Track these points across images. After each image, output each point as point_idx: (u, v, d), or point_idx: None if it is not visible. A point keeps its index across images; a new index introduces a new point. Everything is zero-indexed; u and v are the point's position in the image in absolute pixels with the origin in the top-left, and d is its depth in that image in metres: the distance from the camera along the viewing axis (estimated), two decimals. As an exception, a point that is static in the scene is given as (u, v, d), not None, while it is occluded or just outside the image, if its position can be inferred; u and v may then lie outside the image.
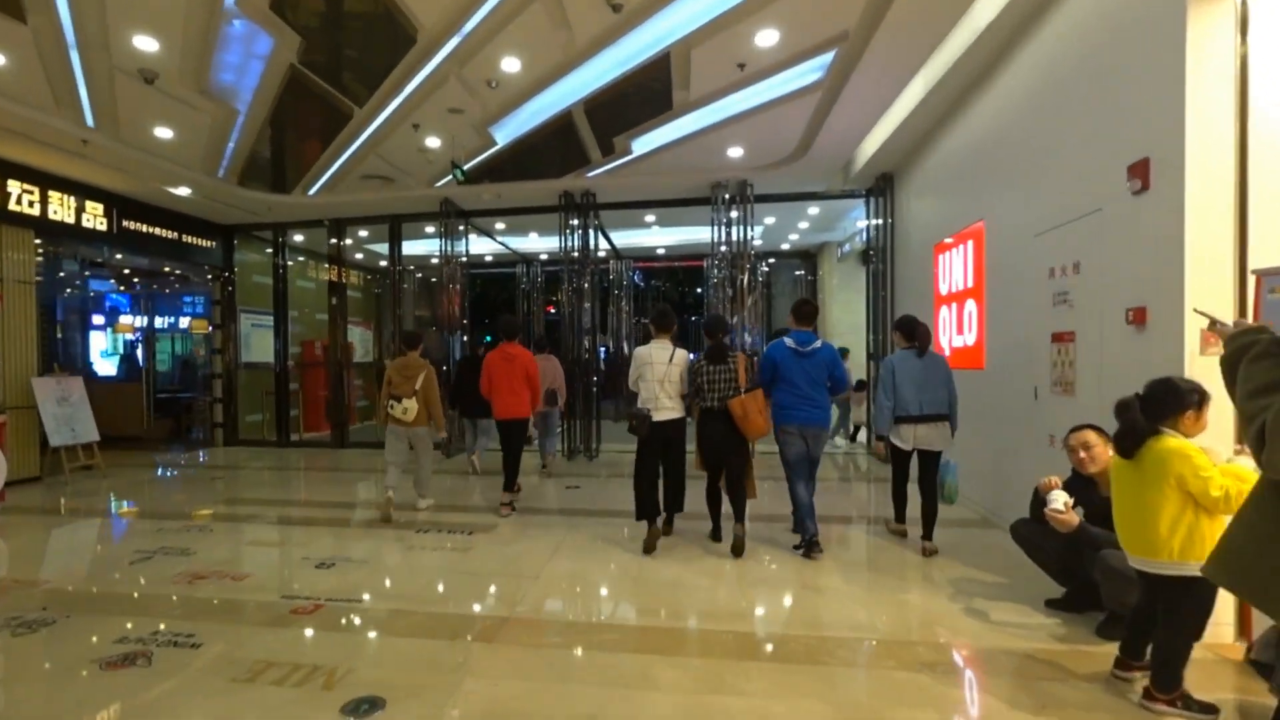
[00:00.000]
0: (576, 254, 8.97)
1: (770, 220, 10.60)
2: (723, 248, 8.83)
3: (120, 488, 7.18)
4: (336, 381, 10.02)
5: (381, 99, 6.09)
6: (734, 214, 8.74)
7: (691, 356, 4.76)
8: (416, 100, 6.11)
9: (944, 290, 6.39)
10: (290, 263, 11.81)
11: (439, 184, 8.54)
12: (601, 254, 9.94)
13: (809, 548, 4.42)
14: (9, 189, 7.12)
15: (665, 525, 4.98)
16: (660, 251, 12.87)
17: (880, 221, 8.50)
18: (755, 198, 8.67)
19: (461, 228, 9.64)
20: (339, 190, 8.69)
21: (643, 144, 7.39)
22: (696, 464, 4.80)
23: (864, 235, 10.15)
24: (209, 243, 9.88)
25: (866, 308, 8.87)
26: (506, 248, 12.23)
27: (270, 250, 10.60)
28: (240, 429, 10.32)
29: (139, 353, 13.12)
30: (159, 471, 8.24)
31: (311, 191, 8.67)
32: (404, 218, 9.75)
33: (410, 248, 11.57)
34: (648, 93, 6.22)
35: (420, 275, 14.46)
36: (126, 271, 11.89)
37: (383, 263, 12.19)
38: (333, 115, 6.45)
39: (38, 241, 8.39)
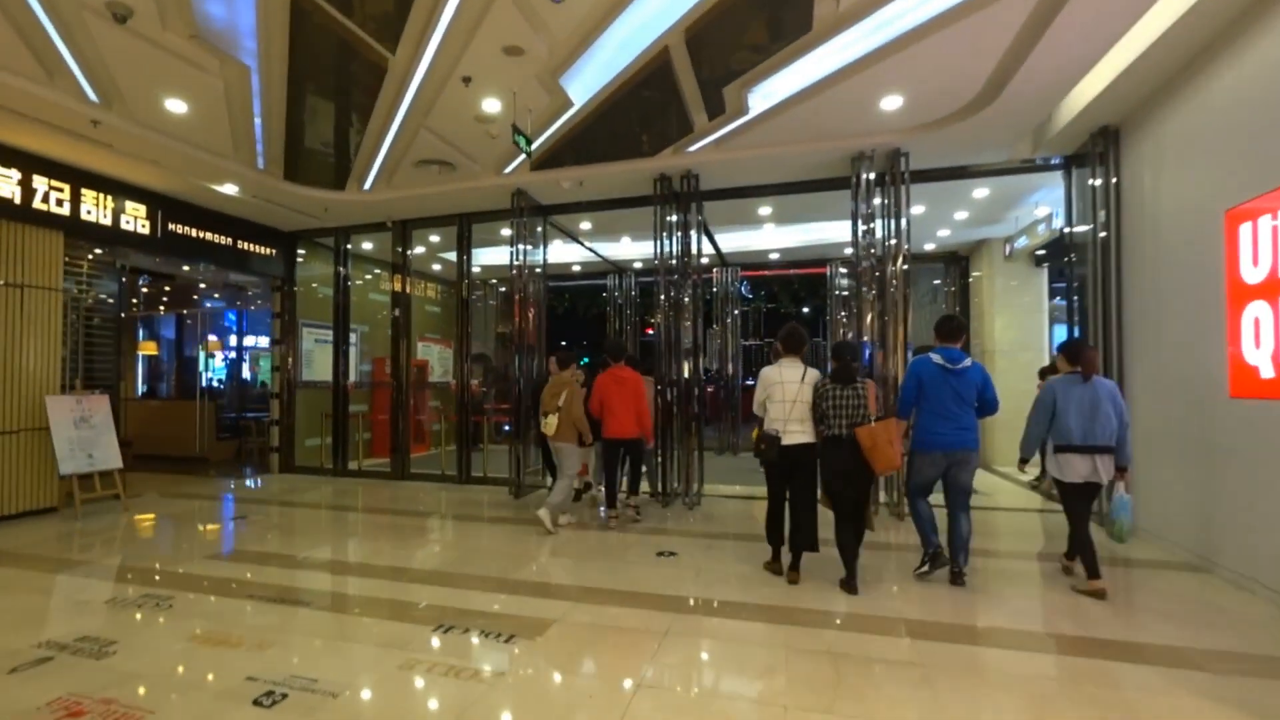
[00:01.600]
0: (675, 260, 7.17)
1: (918, 210, 8.33)
2: (848, 249, 6.71)
3: (123, 527, 6.07)
4: (398, 404, 8.74)
5: (418, 35, 4.62)
6: (877, 200, 6.64)
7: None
8: (461, 35, 4.59)
9: (1254, 278, 4.00)
10: (367, 276, 10.95)
11: (509, 169, 7.07)
12: (704, 260, 8.03)
13: (933, 563, 4.31)
14: (34, 185, 6.32)
15: (791, 570, 4.40)
16: (774, 256, 10.84)
17: (1081, 204, 6.15)
18: (910, 175, 6.51)
19: (540, 229, 8.16)
20: (396, 183, 7.44)
21: (763, 96, 5.52)
22: (822, 499, 4.35)
23: (1050, 223, 7.71)
24: (269, 250, 8.99)
25: (1071, 319, 6.41)
26: (595, 254, 10.66)
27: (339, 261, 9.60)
28: (297, 454, 9.28)
29: (200, 369, 12.69)
30: (186, 504, 7.14)
31: (366, 185, 7.47)
32: (474, 217, 8.40)
33: (493, 256, 10.34)
34: (777, 9, 4.39)
35: (504, 289, 13.28)
36: (204, 286, 11.43)
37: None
38: (364, 69, 5.10)
39: (99, 251, 7.82)
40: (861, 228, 6.68)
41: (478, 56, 4.83)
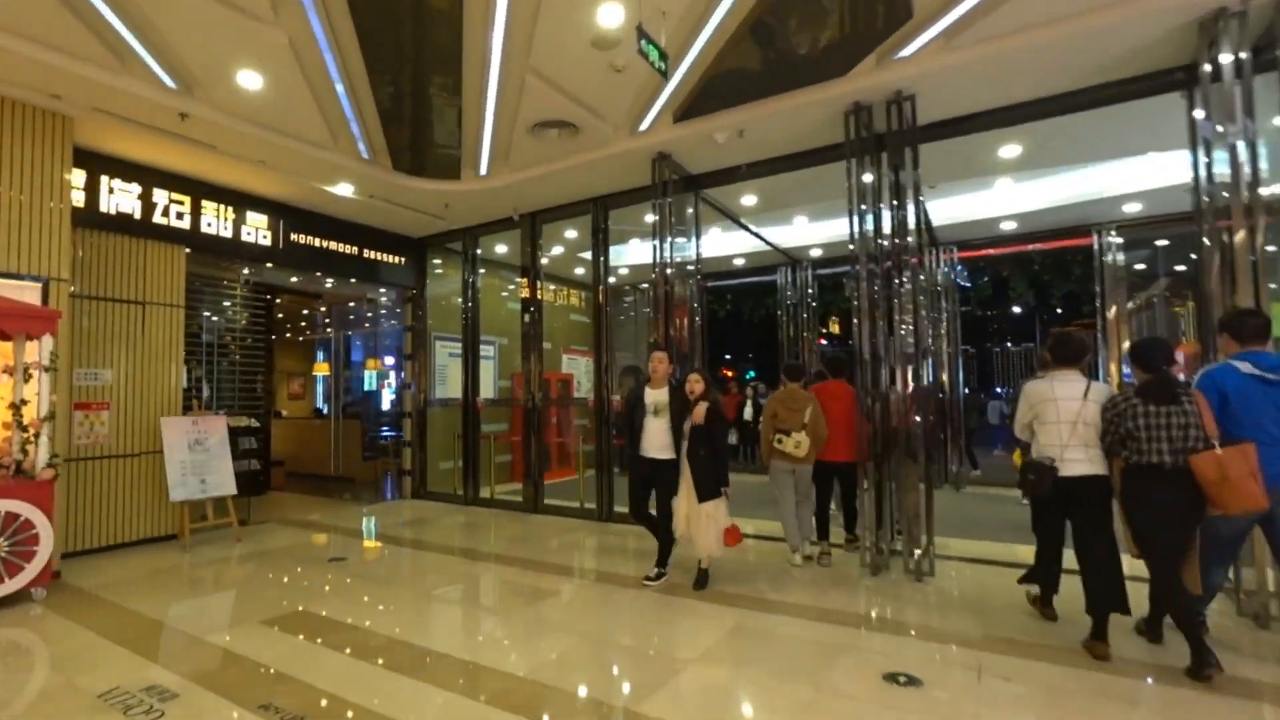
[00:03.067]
0: (881, 239, 4.99)
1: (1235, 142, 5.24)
2: (1133, 204, 4.07)
3: (216, 566, 5.27)
4: (529, 424, 7.47)
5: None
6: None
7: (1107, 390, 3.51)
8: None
9: None
10: (510, 286, 10.02)
11: (645, 124, 5.40)
12: (910, 239, 5.38)
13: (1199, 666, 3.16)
14: (154, 199, 5.91)
15: (1096, 639, 3.30)
16: (1008, 226, 8.01)
17: None
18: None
19: (690, 210, 6.45)
20: (514, 162, 6.15)
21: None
22: (1130, 547, 3.34)
23: None
24: (397, 259, 8.25)
25: None
26: (762, 240, 8.66)
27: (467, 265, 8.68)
28: (430, 478, 8.41)
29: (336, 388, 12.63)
30: (299, 536, 6.32)
31: (482, 170, 6.28)
32: (609, 200, 6.90)
33: (643, 254, 8.84)
34: None
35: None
36: (352, 303, 11.31)
37: (611, 279, 9.56)
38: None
39: (247, 271, 7.58)
40: (1217, 155, 4.04)
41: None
